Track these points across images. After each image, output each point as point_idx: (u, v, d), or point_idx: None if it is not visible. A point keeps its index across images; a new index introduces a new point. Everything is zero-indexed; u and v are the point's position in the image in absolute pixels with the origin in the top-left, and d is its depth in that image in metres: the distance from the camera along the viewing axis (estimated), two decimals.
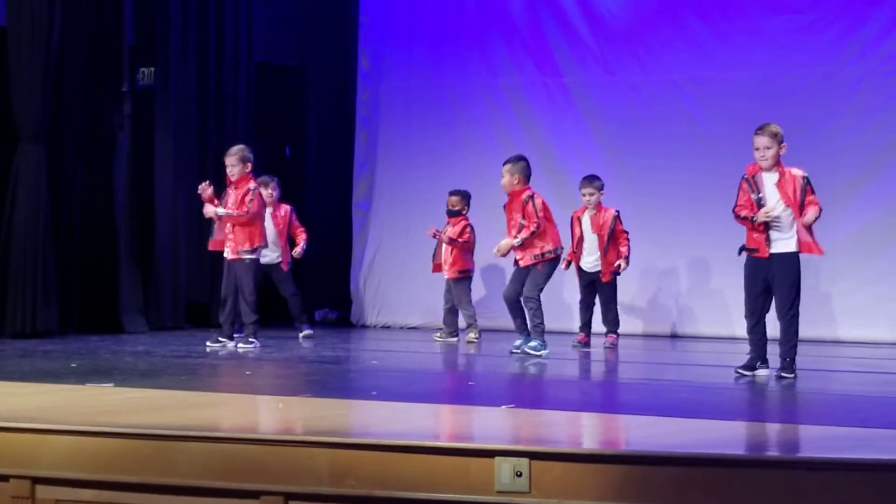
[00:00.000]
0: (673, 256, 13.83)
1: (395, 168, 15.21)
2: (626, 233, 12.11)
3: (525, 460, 5.29)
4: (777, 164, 9.14)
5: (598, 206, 12.11)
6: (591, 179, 12.22)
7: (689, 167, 13.78)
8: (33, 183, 12.35)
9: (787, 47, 13.49)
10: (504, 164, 11.17)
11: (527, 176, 11.08)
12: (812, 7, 13.47)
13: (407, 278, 14.95)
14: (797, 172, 9.11)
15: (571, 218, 12.25)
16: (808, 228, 8.98)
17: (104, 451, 5.84)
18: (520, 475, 5.28)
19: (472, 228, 12.75)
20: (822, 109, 13.30)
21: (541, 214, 10.95)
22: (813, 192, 9.12)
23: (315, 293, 15.25)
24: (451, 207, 12.87)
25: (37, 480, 5.91)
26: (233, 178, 11.50)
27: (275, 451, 5.61)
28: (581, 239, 12.12)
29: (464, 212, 12.81)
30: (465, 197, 12.88)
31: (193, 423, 6.23)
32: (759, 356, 9.10)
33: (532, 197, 10.99)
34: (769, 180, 9.15)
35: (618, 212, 12.12)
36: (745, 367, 9.09)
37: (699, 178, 13.67)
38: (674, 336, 13.62)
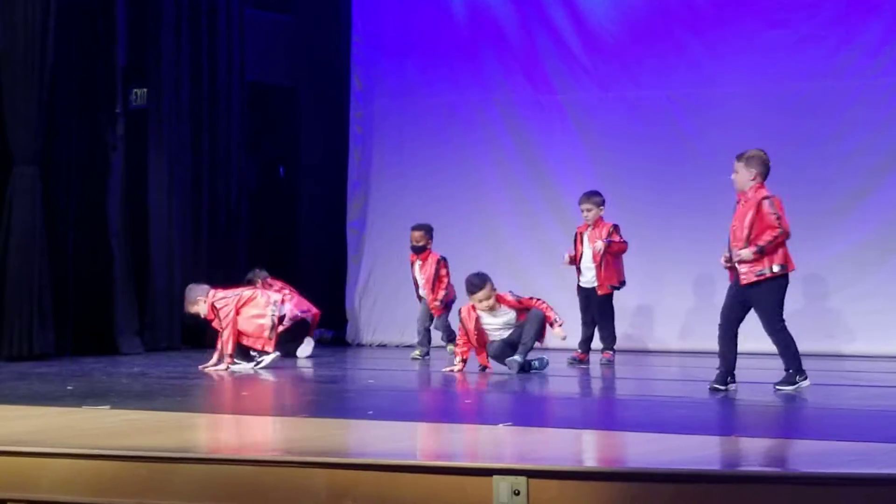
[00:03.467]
0: (668, 271, 13.82)
1: (390, 186, 15.20)
2: (624, 242, 12.04)
3: (523, 479, 5.28)
4: (750, 188, 9.15)
5: (598, 222, 12.06)
6: (589, 195, 12.17)
7: (683, 182, 13.78)
8: (28, 205, 12.34)
9: (781, 62, 13.49)
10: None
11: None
12: (804, 22, 13.47)
13: (402, 297, 14.89)
14: (759, 194, 9.13)
15: (575, 234, 12.21)
16: (758, 254, 8.95)
17: (101, 473, 5.83)
18: (518, 494, 5.27)
19: (445, 261, 12.95)
20: (817, 124, 13.29)
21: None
22: (773, 213, 9.06)
23: None
24: (415, 243, 12.97)
25: None
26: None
27: (272, 472, 5.61)
28: (581, 255, 12.10)
29: (429, 246, 12.95)
30: (429, 231, 13.01)
31: (190, 444, 6.23)
32: (727, 370, 9.20)
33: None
34: (739, 207, 9.28)
35: (615, 225, 12.08)
36: (717, 381, 9.19)
37: (693, 194, 13.66)
38: (670, 352, 13.60)
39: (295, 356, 12.73)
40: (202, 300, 11.43)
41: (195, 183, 14.22)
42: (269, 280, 13.22)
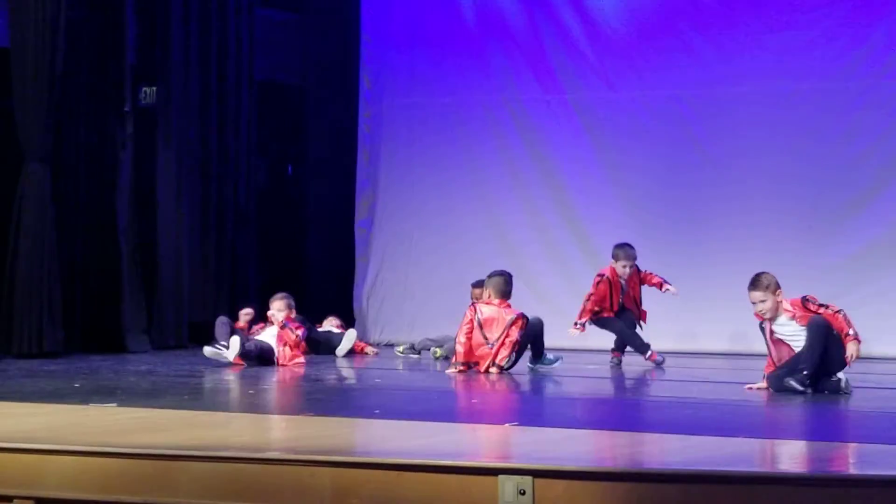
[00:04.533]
0: (676, 272, 13.75)
1: (398, 186, 15.21)
2: (650, 273, 12.15)
3: (528, 478, 5.29)
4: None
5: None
6: (630, 249, 12.00)
7: (690, 182, 13.77)
8: (38, 203, 12.37)
9: (790, 63, 13.47)
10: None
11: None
12: (814, 24, 13.45)
13: (410, 296, 14.93)
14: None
15: (601, 279, 11.96)
16: None
17: (108, 471, 5.84)
18: (523, 493, 5.27)
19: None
20: (826, 126, 13.27)
21: None
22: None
23: (318, 311, 15.23)
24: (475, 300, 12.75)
25: (40, 501, 5.92)
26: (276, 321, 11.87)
27: (278, 470, 5.61)
28: (619, 300, 11.99)
29: None
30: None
31: (196, 442, 6.24)
32: None
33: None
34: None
35: (637, 267, 12.10)
36: None
37: (702, 194, 13.66)
38: (677, 353, 13.56)
39: (334, 355, 12.90)
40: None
41: (203, 181, 14.23)
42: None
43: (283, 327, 11.88)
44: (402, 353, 13.17)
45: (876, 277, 13.01)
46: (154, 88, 13.92)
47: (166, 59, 13.90)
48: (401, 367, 12.26)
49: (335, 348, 13.01)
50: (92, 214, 13.17)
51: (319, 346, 12.97)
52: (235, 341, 11.51)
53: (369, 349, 13.46)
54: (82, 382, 9.68)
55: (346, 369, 11.92)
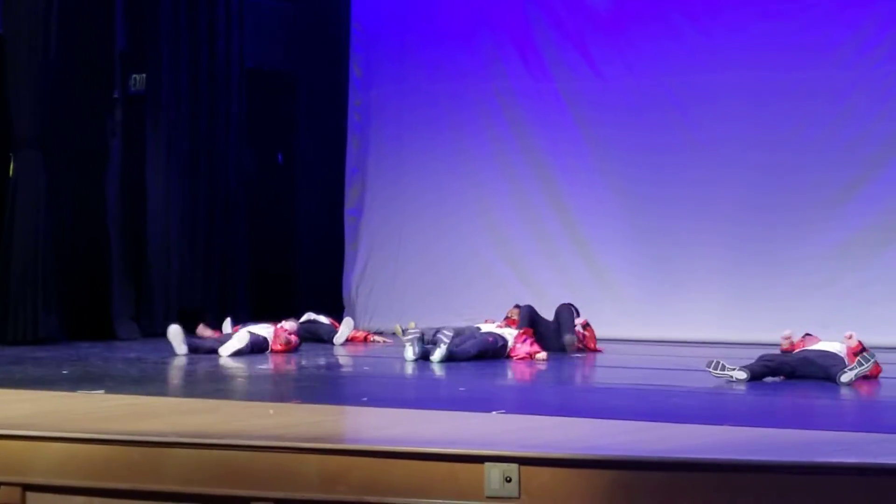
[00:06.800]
0: (664, 259, 13.82)
1: (388, 174, 15.21)
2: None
3: (514, 466, 5.31)
4: None
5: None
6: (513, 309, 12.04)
7: (679, 169, 13.77)
8: (32, 190, 12.40)
9: (780, 50, 13.46)
10: None
11: None
12: (804, 10, 13.45)
13: (399, 284, 14.94)
14: None
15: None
16: None
17: (95, 457, 5.86)
18: (509, 480, 5.30)
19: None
20: (817, 112, 13.27)
21: None
22: None
23: (307, 299, 15.26)
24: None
25: (27, 487, 5.93)
26: None
27: (265, 457, 5.63)
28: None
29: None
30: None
31: (184, 429, 6.25)
32: None
33: None
34: None
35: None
36: None
37: (690, 180, 13.67)
38: (663, 341, 13.60)
39: (332, 343, 12.83)
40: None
41: (193, 169, 14.22)
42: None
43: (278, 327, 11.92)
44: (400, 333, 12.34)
45: (863, 266, 13.04)
46: (143, 75, 13.91)
47: (156, 46, 13.88)
48: (389, 354, 12.25)
49: (324, 338, 12.97)
50: (81, 202, 13.16)
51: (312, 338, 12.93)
52: (244, 336, 11.48)
53: (377, 337, 13.33)
54: (70, 369, 9.69)
55: (335, 357, 11.92)
